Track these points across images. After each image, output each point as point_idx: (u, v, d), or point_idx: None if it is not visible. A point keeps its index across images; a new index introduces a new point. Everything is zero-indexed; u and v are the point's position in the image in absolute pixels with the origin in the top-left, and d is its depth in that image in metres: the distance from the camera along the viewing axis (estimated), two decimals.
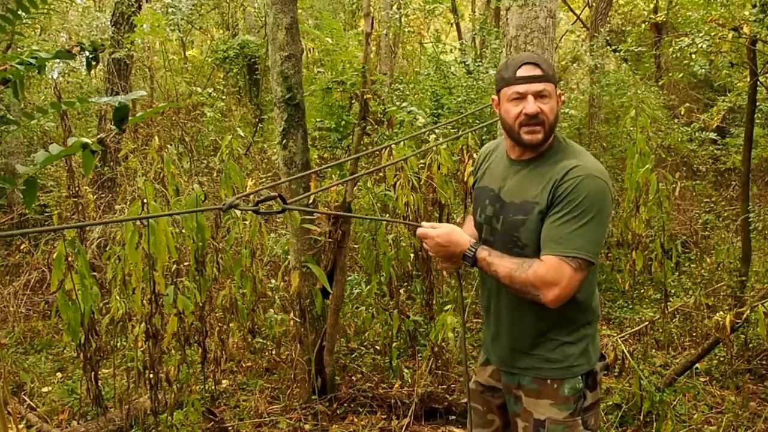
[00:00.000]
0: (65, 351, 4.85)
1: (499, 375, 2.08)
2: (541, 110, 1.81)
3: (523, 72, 1.82)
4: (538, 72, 1.81)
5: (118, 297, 3.59)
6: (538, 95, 1.81)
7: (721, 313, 3.56)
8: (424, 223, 1.94)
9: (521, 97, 1.82)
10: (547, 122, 1.82)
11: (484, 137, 6.19)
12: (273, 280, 4.71)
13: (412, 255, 4.41)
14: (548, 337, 1.93)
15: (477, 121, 6.27)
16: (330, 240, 3.79)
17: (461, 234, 1.89)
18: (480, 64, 7.96)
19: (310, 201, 3.84)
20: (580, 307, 1.92)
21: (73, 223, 5.43)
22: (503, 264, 1.82)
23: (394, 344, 4.20)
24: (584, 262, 1.76)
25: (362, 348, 4.72)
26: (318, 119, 6.06)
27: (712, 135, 7.72)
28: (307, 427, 3.67)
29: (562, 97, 1.92)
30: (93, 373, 3.52)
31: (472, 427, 2.20)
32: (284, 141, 3.88)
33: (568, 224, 1.77)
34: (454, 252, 1.87)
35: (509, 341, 2.00)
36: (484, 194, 2.01)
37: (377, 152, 4.63)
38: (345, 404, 3.89)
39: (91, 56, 2.13)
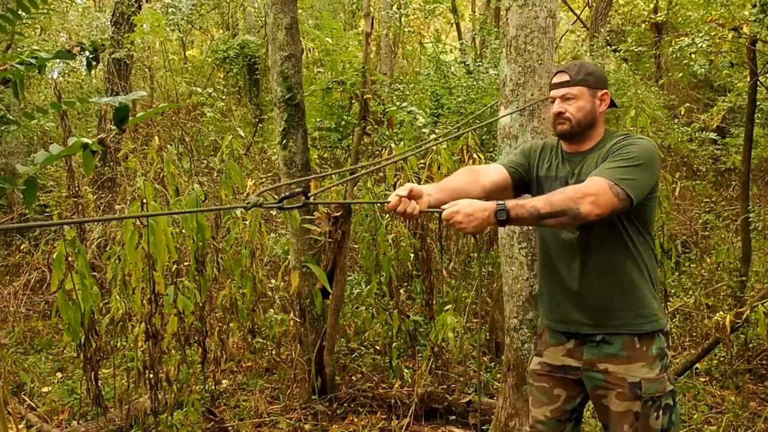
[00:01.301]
0: (65, 351, 4.85)
1: (580, 352, 2.17)
2: (565, 110, 2.13)
3: (554, 79, 2.19)
4: (565, 78, 2.14)
5: (118, 297, 3.59)
6: (563, 98, 2.14)
7: (721, 313, 3.56)
8: (443, 206, 2.00)
9: (553, 100, 2.18)
10: (574, 118, 2.12)
11: (484, 137, 6.18)
12: (273, 280, 4.71)
13: (412, 255, 4.41)
14: (636, 287, 2.09)
15: (477, 121, 6.27)
16: (330, 240, 3.80)
17: (480, 201, 1.97)
18: (480, 64, 7.95)
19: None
20: (651, 265, 2.13)
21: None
22: (537, 198, 1.92)
23: (394, 344, 4.20)
24: (624, 193, 1.90)
25: (362, 348, 4.72)
26: (318, 119, 6.06)
27: (712, 135, 7.71)
28: (307, 427, 3.67)
29: (605, 98, 2.16)
30: (93, 373, 3.52)
31: (533, 406, 2.32)
32: (284, 141, 3.88)
33: (616, 163, 1.97)
34: (484, 216, 1.90)
35: (598, 299, 2.11)
36: (557, 182, 2.19)
37: (377, 152, 4.63)
38: (345, 404, 3.89)
39: (91, 56, 2.13)
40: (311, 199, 1.81)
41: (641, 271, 2.09)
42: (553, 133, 2.24)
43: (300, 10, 8.46)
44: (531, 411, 2.34)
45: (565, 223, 1.92)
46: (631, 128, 4.53)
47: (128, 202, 4.84)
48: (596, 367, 2.14)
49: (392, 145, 4.52)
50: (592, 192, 1.87)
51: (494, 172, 2.24)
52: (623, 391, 2.10)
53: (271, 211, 5.80)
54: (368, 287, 4.30)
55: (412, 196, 1.98)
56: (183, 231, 3.67)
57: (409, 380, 4.06)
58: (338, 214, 3.78)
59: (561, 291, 2.20)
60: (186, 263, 3.96)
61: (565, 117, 2.13)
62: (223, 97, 8.57)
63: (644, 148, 2.01)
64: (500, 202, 1.90)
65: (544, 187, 2.21)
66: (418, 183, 4.19)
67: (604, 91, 2.15)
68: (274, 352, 4.56)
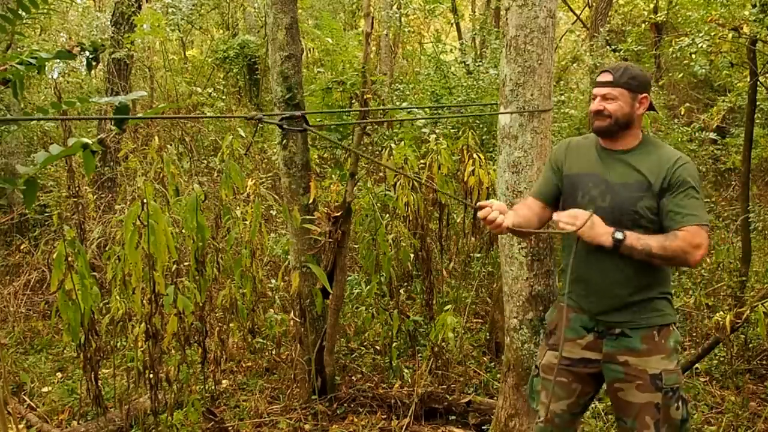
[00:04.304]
0: (65, 351, 4.85)
1: (600, 345, 2.29)
2: (604, 108, 2.24)
3: (599, 78, 2.30)
4: (608, 78, 2.25)
5: (118, 297, 3.59)
6: (604, 97, 2.25)
7: (721, 313, 3.56)
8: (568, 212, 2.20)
9: (594, 97, 2.29)
10: (612, 116, 2.24)
11: (484, 137, 6.18)
12: (273, 280, 4.71)
13: (412, 255, 4.41)
14: (648, 289, 2.24)
15: (477, 121, 6.27)
16: (330, 240, 3.80)
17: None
18: (480, 64, 7.95)
19: (310, 202, 3.85)
20: (667, 271, 2.31)
21: (74, 223, 5.42)
22: (653, 238, 2.12)
23: (394, 344, 4.20)
24: (708, 228, 2.16)
25: (362, 348, 4.72)
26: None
27: (712, 135, 7.70)
28: (307, 427, 3.67)
29: (644, 101, 2.26)
30: (93, 373, 3.52)
31: (550, 401, 2.41)
32: (284, 141, 3.87)
33: (693, 201, 2.17)
34: (603, 230, 2.13)
35: (613, 299, 2.26)
36: (587, 178, 2.32)
37: (377, 152, 4.63)
38: (345, 404, 3.89)
39: (91, 56, 2.13)
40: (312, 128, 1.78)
41: (654, 274, 2.24)
42: (589, 130, 2.38)
43: (300, 10, 8.45)
44: (547, 404, 2.41)
45: (670, 265, 2.22)
46: None
47: (128, 202, 4.84)
48: (616, 360, 2.25)
49: (392, 145, 4.52)
50: (700, 244, 2.11)
51: (533, 203, 2.46)
52: (643, 383, 2.20)
53: (272, 211, 5.80)
54: (368, 287, 4.30)
55: (498, 208, 2.19)
56: (183, 231, 3.67)
57: (409, 380, 4.06)
58: (338, 214, 3.78)
59: (585, 277, 2.32)
60: (186, 263, 3.95)
61: (605, 114, 2.25)
62: (223, 97, 8.56)
63: (696, 175, 2.21)
64: (618, 230, 2.11)
65: (578, 185, 2.33)
66: (418, 183, 4.21)
67: (644, 94, 2.26)
68: (274, 352, 4.56)
